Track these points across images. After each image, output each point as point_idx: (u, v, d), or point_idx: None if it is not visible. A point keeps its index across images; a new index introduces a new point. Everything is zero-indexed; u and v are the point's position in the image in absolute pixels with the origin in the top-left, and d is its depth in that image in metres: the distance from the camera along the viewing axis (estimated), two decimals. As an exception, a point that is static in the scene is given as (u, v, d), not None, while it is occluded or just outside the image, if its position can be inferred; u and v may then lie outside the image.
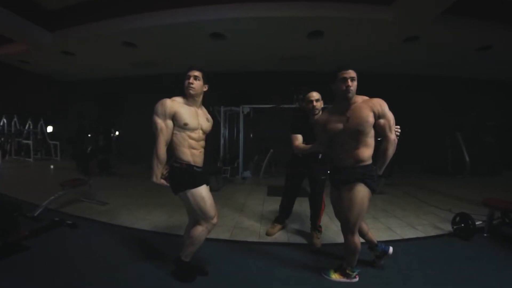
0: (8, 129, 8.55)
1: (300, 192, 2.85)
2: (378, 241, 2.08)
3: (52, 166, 7.58)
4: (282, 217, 2.91)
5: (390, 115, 1.64)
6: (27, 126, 8.78)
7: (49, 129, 9.44)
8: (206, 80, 1.83)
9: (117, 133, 9.63)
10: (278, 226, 2.89)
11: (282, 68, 8.06)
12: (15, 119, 8.70)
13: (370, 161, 1.69)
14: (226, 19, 5.16)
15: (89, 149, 5.81)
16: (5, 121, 8.48)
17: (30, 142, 8.52)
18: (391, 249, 2.02)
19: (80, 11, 5.69)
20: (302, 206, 3.88)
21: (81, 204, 3.69)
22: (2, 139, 8.28)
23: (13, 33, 5.91)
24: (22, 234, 2.39)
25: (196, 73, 1.78)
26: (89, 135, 8.65)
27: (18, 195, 3.85)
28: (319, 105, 2.36)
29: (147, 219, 3.17)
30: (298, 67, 7.93)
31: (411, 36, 5.64)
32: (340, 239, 1.98)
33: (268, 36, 5.82)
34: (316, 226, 2.62)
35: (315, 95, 2.35)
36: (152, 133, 1.69)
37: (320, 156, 2.56)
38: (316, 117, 2.35)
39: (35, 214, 2.94)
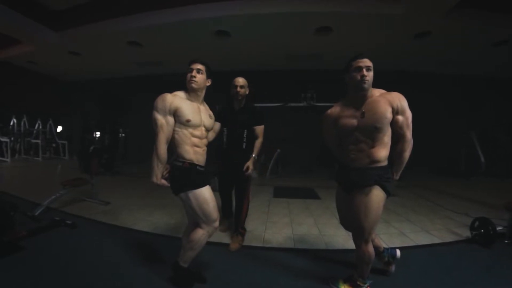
0: (17, 129, 8.69)
1: (231, 188, 2.63)
2: (384, 247, 1.93)
3: (60, 166, 7.64)
4: (224, 214, 2.78)
5: (409, 112, 1.50)
6: (36, 126, 8.91)
7: (59, 128, 9.58)
8: (209, 74, 1.74)
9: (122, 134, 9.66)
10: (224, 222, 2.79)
11: (289, 66, 7.88)
12: (24, 119, 8.84)
13: (386, 162, 1.54)
14: (232, 15, 5.04)
15: (91, 148, 5.80)
16: (15, 121, 8.63)
17: (39, 141, 8.64)
18: (398, 252, 1.91)
19: (85, 10, 5.67)
20: (309, 209, 3.75)
21: (83, 203, 3.64)
22: (12, 138, 8.41)
23: (19, 34, 5.93)
24: (19, 233, 2.34)
25: (199, 66, 1.68)
26: (96, 135, 8.70)
27: (23, 194, 3.85)
28: (242, 91, 2.41)
29: (148, 220, 3.10)
30: (305, 65, 7.75)
31: (422, 32, 5.41)
32: (349, 245, 1.84)
33: (274, 33, 5.67)
34: (238, 229, 2.48)
35: (240, 81, 2.41)
36: (154, 131, 1.60)
37: (244, 146, 2.40)
38: (238, 104, 2.44)
39: (35, 214, 2.89)
